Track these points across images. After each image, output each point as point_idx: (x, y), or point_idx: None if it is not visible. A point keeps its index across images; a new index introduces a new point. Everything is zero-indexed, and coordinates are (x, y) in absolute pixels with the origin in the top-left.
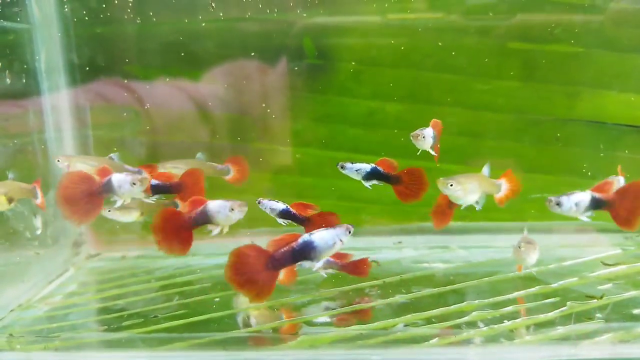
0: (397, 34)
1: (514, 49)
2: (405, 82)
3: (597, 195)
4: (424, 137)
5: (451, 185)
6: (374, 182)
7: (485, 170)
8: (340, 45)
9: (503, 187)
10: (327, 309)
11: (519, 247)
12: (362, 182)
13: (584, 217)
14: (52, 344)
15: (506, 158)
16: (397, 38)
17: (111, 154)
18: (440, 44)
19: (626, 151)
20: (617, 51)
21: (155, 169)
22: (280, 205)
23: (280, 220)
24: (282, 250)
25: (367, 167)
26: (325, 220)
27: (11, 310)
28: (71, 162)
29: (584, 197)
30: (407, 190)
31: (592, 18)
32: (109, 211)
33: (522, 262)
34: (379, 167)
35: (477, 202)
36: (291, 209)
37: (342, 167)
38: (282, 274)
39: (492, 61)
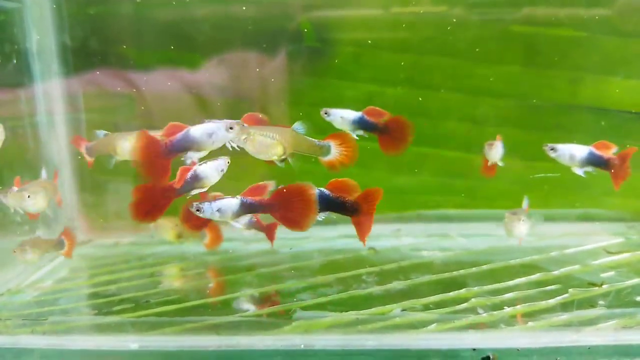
0: (397, 17)
1: (516, 32)
2: (406, 66)
3: (597, 152)
4: (497, 146)
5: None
6: (360, 132)
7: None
8: (340, 27)
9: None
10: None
11: (505, 218)
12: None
13: (580, 171)
14: (39, 328)
15: (507, 144)
16: (398, 21)
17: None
18: (442, 27)
19: (629, 138)
20: (622, 36)
21: None
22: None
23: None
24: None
25: (353, 114)
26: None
27: (0, 295)
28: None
29: (581, 150)
30: (392, 141)
31: (595, 3)
32: None
33: (510, 234)
34: (365, 116)
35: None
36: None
37: (325, 113)
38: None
39: (493, 45)
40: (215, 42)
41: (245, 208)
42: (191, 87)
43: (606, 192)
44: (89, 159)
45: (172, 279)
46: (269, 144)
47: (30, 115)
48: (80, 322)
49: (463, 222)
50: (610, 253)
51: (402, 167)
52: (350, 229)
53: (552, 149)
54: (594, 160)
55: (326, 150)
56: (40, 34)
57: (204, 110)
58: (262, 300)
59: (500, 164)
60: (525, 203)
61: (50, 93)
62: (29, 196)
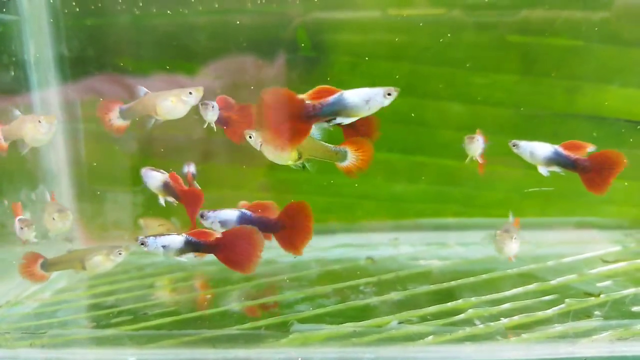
0: (394, 26)
1: (512, 42)
2: (402, 75)
3: (563, 151)
4: (477, 140)
5: None
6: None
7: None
8: (336, 37)
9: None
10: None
11: (494, 234)
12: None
13: (544, 170)
14: (38, 341)
15: (505, 153)
16: (394, 31)
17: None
18: (439, 36)
19: (626, 146)
20: (618, 45)
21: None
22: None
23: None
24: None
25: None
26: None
27: None
28: None
29: (545, 148)
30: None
31: (592, 11)
32: None
33: (500, 252)
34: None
35: None
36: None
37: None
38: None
39: (491, 54)
40: (211, 51)
41: (190, 246)
42: None
43: (604, 200)
44: (122, 123)
45: (170, 291)
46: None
47: None
48: (78, 335)
49: (461, 231)
50: (606, 262)
51: (400, 176)
52: (348, 238)
53: (514, 145)
54: (559, 160)
55: (342, 156)
56: (38, 46)
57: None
58: (260, 312)
59: (480, 160)
60: (511, 218)
61: (48, 103)
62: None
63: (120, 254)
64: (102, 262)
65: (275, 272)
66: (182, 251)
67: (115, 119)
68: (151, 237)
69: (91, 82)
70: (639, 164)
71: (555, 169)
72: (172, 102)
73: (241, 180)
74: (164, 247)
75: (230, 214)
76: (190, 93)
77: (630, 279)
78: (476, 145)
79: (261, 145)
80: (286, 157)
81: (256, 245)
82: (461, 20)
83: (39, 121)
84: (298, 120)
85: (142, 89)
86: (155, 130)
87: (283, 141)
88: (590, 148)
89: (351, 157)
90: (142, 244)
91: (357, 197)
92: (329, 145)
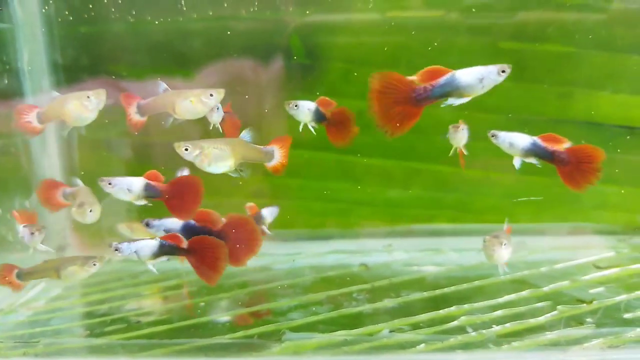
0: (388, 33)
1: (505, 48)
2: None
3: (541, 142)
4: (462, 130)
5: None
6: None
7: None
8: (330, 44)
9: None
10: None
11: (484, 241)
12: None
13: (518, 162)
14: (32, 350)
15: (498, 159)
16: (387, 37)
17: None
18: (431, 43)
19: (618, 151)
20: (610, 51)
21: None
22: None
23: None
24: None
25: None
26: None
27: None
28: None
29: (524, 139)
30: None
31: (584, 17)
32: None
33: (490, 259)
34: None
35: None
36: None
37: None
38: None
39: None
40: (205, 58)
41: (163, 250)
42: None
43: (597, 206)
44: (139, 119)
45: (164, 299)
46: (222, 156)
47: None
48: (72, 344)
49: (455, 237)
50: (599, 268)
51: (394, 182)
52: (342, 244)
53: (493, 136)
54: (537, 152)
55: (270, 156)
56: (32, 53)
57: (198, 121)
58: (252, 320)
59: (464, 151)
60: (506, 225)
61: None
62: (91, 210)
63: (94, 264)
64: (77, 272)
65: (269, 279)
66: (155, 255)
67: (134, 114)
68: (125, 243)
69: (86, 87)
70: (631, 169)
71: (533, 160)
72: (192, 102)
73: (236, 187)
74: (136, 252)
75: (175, 223)
76: (211, 95)
77: (622, 285)
78: (461, 135)
79: (196, 157)
80: (224, 164)
81: (223, 255)
82: (454, 26)
83: (88, 97)
84: (408, 104)
85: (162, 85)
86: (149, 136)
87: (394, 126)
88: (567, 144)
89: (277, 156)
90: (116, 249)
91: (351, 203)
92: (259, 146)
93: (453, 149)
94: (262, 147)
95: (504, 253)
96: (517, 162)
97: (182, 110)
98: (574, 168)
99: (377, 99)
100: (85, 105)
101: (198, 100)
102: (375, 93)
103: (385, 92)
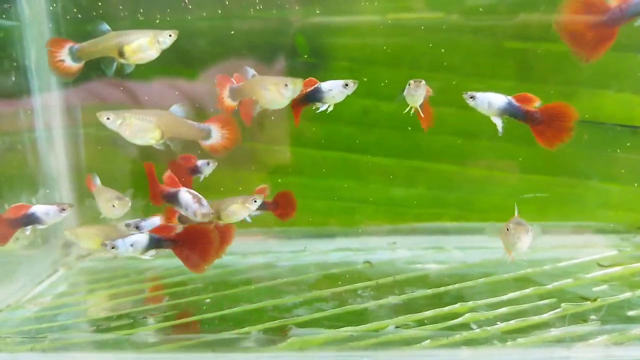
0: (391, 33)
1: (509, 47)
2: (400, 81)
3: (515, 102)
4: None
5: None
6: None
7: None
8: (335, 43)
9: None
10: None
11: (507, 229)
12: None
13: (498, 121)
14: (39, 345)
15: (501, 158)
16: (391, 37)
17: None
18: (435, 43)
19: (621, 151)
20: (614, 51)
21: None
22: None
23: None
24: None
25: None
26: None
27: (0, 311)
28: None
29: (500, 99)
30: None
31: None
32: None
33: (512, 248)
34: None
35: None
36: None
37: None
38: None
39: (487, 61)
40: (212, 57)
41: (154, 243)
42: (190, 97)
43: (600, 205)
44: (230, 103)
45: (170, 294)
46: (146, 127)
47: (29, 130)
48: (78, 339)
49: (458, 235)
50: (602, 266)
51: (398, 180)
52: (347, 242)
53: (471, 97)
54: (511, 111)
55: (207, 134)
56: (39, 51)
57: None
58: (259, 316)
59: (421, 112)
60: (516, 214)
61: (49, 108)
62: (113, 205)
63: (255, 201)
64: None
65: (274, 276)
66: (147, 248)
67: (226, 97)
68: (119, 240)
69: (92, 86)
70: (634, 168)
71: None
72: (271, 92)
73: (240, 185)
74: (132, 245)
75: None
76: (286, 85)
77: (626, 283)
78: (421, 92)
79: (119, 125)
80: (148, 136)
81: (212, 245)
82: (458, 26)
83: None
84: (603, 26)
85: (250, 71)
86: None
87: (588, 52)
88: (537, 103)
89: (216, 135)
90: (112, 247)
91: (355, 201)
92: (193, 122)
93: (409, 108)
94: (196, 123)
95: (527, 241)
96: (498, 122)
97: (263, 100)
98: (546, 126)
99: (569, 23)
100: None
101: (277, 91)
102: (567, 18)
103: (578, 14)
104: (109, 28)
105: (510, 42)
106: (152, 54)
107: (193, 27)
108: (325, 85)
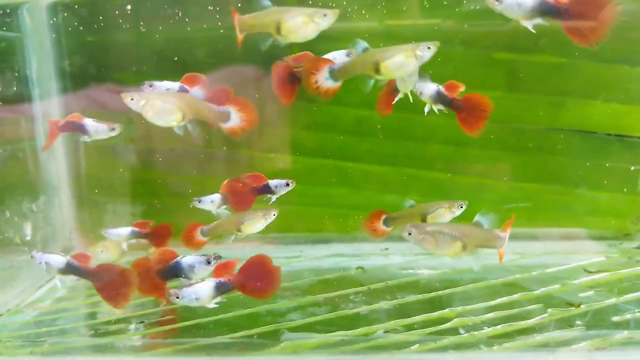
0: (384, 42)
1: (498, 59)
2: None
3: (443, 90)
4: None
5: None
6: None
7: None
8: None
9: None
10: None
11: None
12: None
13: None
14: (38, 349)
15: (492, 166)
16: (385, 46)
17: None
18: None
19: (609, 159)
20: (601, 62)
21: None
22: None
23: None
24: None
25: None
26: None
27: (0, 316)
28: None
29: (430, 88)
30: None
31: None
32: None
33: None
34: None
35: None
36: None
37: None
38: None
39: (477, 71)
40: (210, 66)
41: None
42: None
43: (588, 212)
44: (331, 85)
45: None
46: (168, 109)
47: (30, 138)
48: (77, 343)
49: None
50: (589, 272)
51: (391, 188)
52: (341, 248)
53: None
54: (441, 99)
55: (226, 116)
56: (40, 61)
57: (202, 125)
58: (253, 321)
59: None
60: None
61: (49, 116)
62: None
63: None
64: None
65: None
66: (63, 271)
67: (324, 80)
68: (38, 253)
69: (92, 92)
70: (621, 176)
71: (440, 107)
72: (407, 57)
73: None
74: (46, 264)
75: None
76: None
77: (612, 289)
78: (413, 78)
79: (142, 106)
80: (170, 118)
81: (130, 283)
82: (449, 37)
83: (324, 15)
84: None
85: (363, 43)
86: (153, 143)
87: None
88: (462, 88)
89: (235, 118)
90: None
91: (349, 208)
92: (212, 105)
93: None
94: (216, 106)
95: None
96: (432, 109)
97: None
98: (468, 114)
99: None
100: (320, 22)
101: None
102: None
103: None
104: (270, 3)
105: (499, 52)
106: (308, 33)
107: (193, 38)
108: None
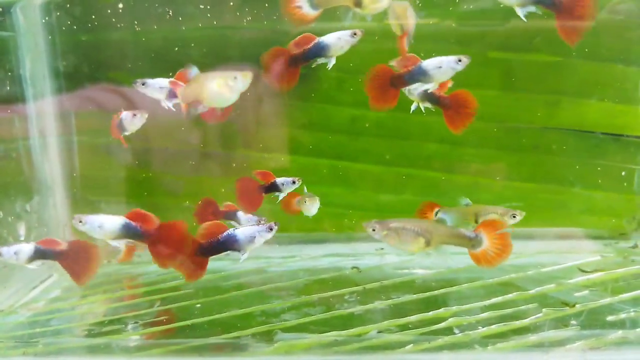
0: (380, 42)
1: (494, 58)
2: None
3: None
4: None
5: None
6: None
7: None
8: None
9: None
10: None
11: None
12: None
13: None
14: (31, 349)
15: (487, 165)
16: (380, 47)
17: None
18: (422, 51)
19: (604, 158)
20: (596, 61)
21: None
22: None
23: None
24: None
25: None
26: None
27: None
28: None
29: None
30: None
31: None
32: None
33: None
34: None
35: None
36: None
37: None
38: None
39: (472, 71)
40: (205, 66)
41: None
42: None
43: (584, 211)
44: (311, 13)
45: (161, 300)
46: (410, 239)
47: (24, 138)
48: (71, 343)
49: None
50: (584, 272)
51: (386, 187)
52: (336, 247)
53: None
54: (429, 97)
55: (477, 243)
56: (33, 60)
57: (198, 125)
58: (247, 321)
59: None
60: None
61: (43, 116)
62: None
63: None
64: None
65: (265, 281)
66: (32, 258)
67: (306, 5)
68: (4, 247)
69: (87, 92)
70: (616, 175)
71: (428, 104)
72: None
73: (233, 192)
74: (15, 254)
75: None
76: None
77: (607, 288)
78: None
79: (385, 236)
80: (413, 246)
81: (94, 260)
82: (445, 36)
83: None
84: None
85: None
86: (148, 142)
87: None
88: (450, 84)
89: (486, 244)
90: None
91: (345, 207)
92: (463, 230)
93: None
94: (468, 232)
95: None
96: (414, 107)
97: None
98: (454, 112)
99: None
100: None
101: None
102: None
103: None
104: None
105: (495, 52)
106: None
107: (188, 37)
108: (330, 37)
